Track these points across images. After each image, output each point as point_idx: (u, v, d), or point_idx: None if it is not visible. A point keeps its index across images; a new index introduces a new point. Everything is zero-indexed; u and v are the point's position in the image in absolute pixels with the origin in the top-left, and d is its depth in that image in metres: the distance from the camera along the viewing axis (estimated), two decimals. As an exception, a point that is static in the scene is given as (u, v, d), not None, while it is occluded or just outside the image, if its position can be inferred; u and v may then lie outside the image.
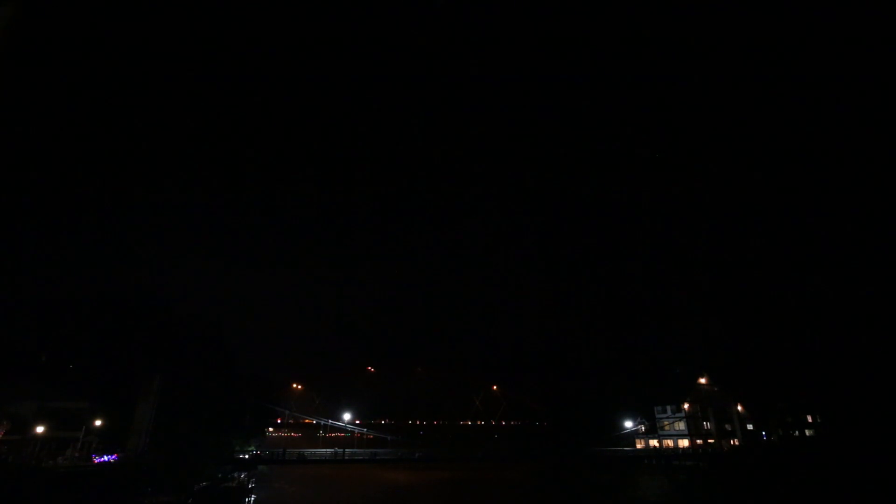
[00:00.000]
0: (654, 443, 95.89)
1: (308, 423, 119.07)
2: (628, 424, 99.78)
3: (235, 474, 75.95)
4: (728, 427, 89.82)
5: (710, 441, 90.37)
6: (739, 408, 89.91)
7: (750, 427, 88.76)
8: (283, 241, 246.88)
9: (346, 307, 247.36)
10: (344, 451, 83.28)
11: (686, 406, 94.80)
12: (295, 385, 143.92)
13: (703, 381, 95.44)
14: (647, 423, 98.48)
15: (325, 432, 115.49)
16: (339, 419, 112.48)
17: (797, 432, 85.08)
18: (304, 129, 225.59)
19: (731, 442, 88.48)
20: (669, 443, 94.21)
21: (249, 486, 77.48)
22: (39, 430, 56.07)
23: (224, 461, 73.34)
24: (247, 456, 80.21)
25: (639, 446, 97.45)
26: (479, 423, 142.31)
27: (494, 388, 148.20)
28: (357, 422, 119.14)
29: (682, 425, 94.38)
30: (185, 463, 63.06)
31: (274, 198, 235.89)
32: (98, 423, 63.18)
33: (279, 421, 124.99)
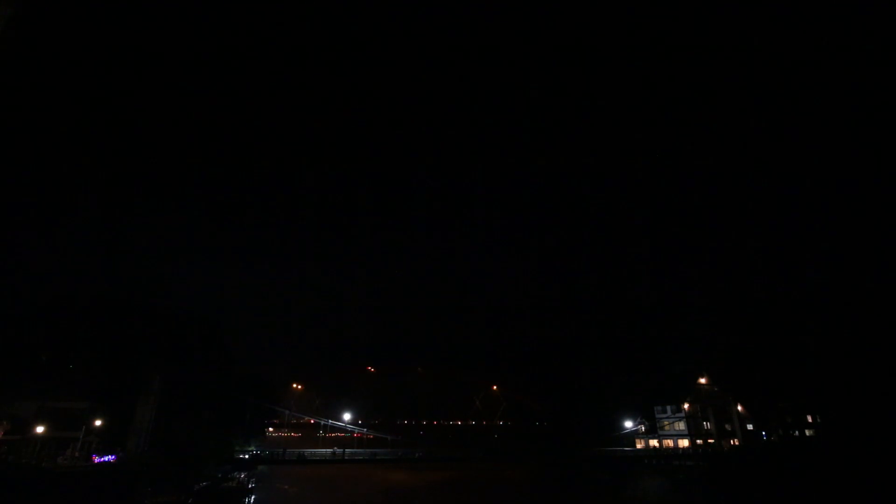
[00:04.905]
0: (654, 443, 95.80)
1: (308, 423, 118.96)
2: (628, 424, 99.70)
3: (235, 474, 75.93)
4: (728, 427, 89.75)
5: (710, 441, 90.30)
6: (739, 408, 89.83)
7: (750, 427, 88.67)
8: (284, 241, 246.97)
9: (346, 307, 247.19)
10: (344, 451, 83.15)
11: (686, 406, 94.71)
12: (295, 385, 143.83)
13: (703, 381, 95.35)
14: (647, 423, 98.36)
15: (325, 432, 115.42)
16: (339, 419, 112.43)
17: (797, 432, 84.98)
18: (305, 129, 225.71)
19: (731, 442, 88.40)
20: (669, 443, 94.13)
21: (249, 486, 77.46)
22: (39, 430, 56.03)
23: (224, 461, 73.28)
24: (247, 456, 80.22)
25: (639, 446, 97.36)
26: (479, 422, 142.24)
27: (494, 388, 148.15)
28: (357, 422, 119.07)
29: (682, 425, 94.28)
30: (185, 463, 63.02)
31: (274, 198, 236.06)
32: (98, 423, 63.14)
33: (279, 421, 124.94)
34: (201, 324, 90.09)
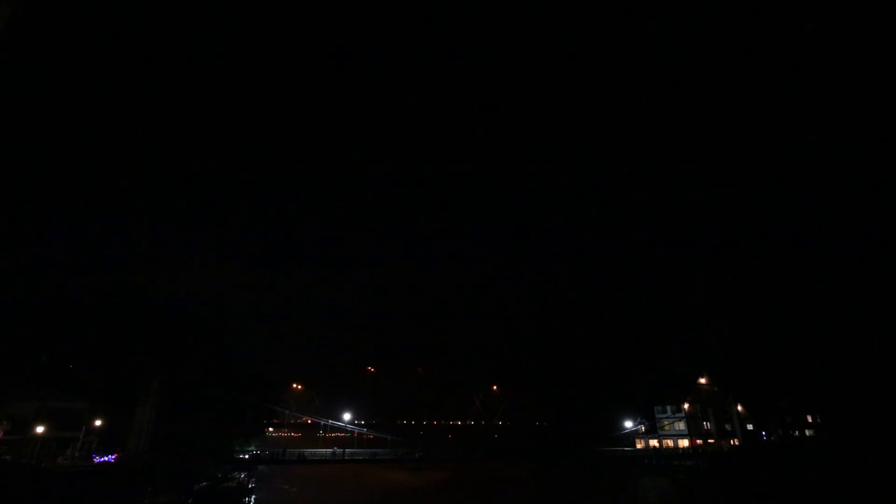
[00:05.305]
0: (654, 443, 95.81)
1: (308, 423, 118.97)
2: (628, 424, 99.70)
3: (235, 474, 75.95)
4: (728, 427, 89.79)
5: (710, 441, 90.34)
6: (739, 408, 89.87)
7: (750, 427, 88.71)
8: (283, 240, 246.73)
9: (346, 307, 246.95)
10: (344, 451, 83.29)
11: (686, 406, 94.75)
12: (295, 385, 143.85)
13: (703, 381, 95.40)
14: (647, 423, 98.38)
15: (325, 432, 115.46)
16: (339, 419, 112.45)
17: (797, 432, 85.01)
18: (305, 128, 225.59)
19: (731, 442, 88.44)
20: (669, 443, 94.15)
21: (249, 486, 77.44)
22: (39, 430, 56.04)
23: (224, 461, 73.35)
24: (247, 456, 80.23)
25: (639, 446, 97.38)
26: (479, 422, 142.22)
27: (494, 388, 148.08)
28: (357, 422, 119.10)
29: (682, 425, 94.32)
30: (185, 463, 63.08)
31: (274, 197, 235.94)
32: (98, 423, 63.18)
33: (279, 421, 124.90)
34: (201, 324, 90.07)
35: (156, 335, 77.14)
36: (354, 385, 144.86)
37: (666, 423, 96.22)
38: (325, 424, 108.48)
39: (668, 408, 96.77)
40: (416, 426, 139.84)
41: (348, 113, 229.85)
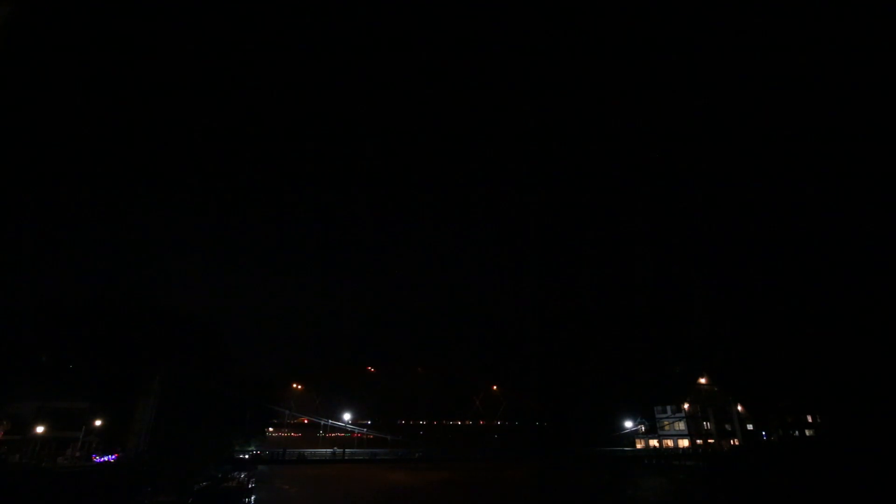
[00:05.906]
0: (654, 443, 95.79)
1: (308, 423, 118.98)
2: (628, 424, 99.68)
3: (235, 474, 75.90)
4: (728, 427, 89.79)
5: (710, 441, 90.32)
6: (739, 408, 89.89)
7: (750, 427, 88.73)
8: (284, 240, 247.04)
9: (346, 307, 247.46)
10: (344, 451, 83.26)
11: (686, 406, 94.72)
12: (295, 385, 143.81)
13: (703, 381, 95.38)
14: (647, 423, 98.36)
15: (325, 432, 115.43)
16: (339, 419, 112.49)
17: (797, 432, 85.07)
18: (305, 129, 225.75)
19: (731, 442, 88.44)
20: (669, 443, 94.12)
21: (249, 486, 77.39)
22: (39, 430, 56.07)
23: (224, 461, 73.29)
24: (247, 456, 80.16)
25: (639, 446, 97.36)
26: (479, 423, 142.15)
27: (494, 388, 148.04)
28: (357, 422, 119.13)
29: (682, 425, 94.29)
30: (185, 463, 63.06)
31: (274, 198, 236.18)
32: (98, 423, 63.14)
33: (279, 421, 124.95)
34: (201, 324, 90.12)
35: (156, 335, 77.12)
36: (354, 385, 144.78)
37: (666, 423, 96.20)
38: (325, 424, 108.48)
39: (668, 408, 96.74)
40: (416, 426, 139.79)
41: (349, 114, 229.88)
